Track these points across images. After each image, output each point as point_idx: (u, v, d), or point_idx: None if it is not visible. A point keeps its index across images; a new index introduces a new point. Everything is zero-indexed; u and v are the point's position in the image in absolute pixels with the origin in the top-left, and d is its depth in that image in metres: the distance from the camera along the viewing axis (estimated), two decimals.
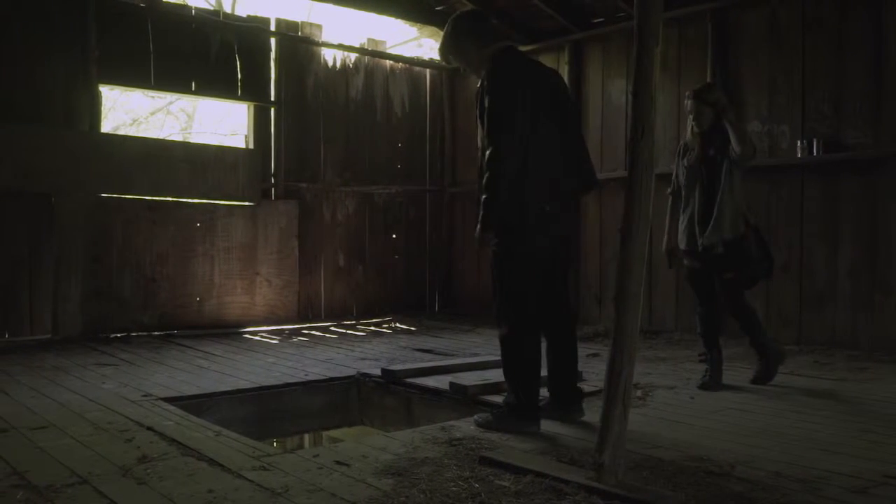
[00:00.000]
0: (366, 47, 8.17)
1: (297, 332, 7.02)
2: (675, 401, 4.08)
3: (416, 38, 11.47)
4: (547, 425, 3.44)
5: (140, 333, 6.47)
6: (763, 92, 6.19)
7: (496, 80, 3.34)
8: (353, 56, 8.06)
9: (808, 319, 5.94)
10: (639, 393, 4.20)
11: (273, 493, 2.55)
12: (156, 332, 6.53)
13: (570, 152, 3.49)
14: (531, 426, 3.37)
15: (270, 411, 4.50)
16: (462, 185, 8.59)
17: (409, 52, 10.27)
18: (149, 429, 3.39)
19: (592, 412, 3.54)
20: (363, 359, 5.48)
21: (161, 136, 14.90)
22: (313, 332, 7.07)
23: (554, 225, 3.43)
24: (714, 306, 4.48)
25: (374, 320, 7.92)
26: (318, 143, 7.79)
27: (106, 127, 12.88)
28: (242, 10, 12.79)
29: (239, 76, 7.22)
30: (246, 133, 7.60)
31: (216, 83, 7.11)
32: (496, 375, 4.09)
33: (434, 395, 4.32)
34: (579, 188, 3.59)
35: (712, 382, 4.38)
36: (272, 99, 7.45)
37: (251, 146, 7.38)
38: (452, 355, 5.59)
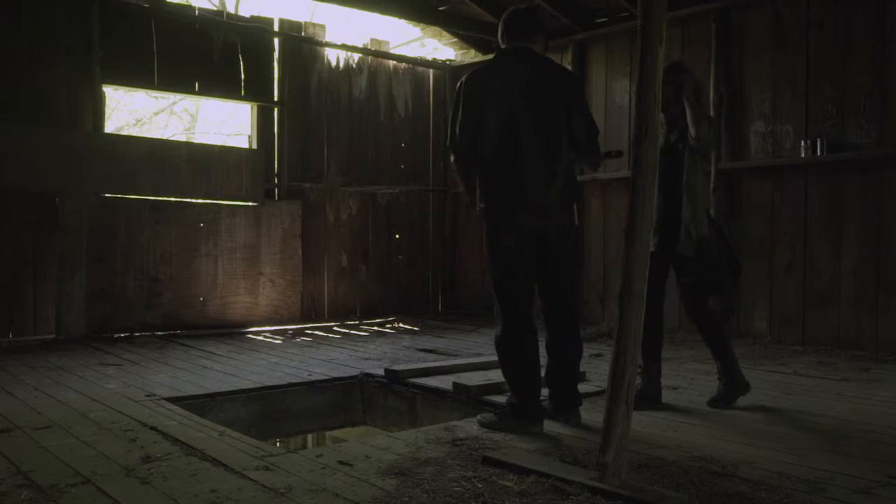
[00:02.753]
0: (369, 47, 8.17)
1: (301, 332, 7.03)
2: (678, 401, 4.07)
3: (419, 38, 11.50)
4: (550, 425, 3.44)
5: (143, 333, 6.47)
6: (767, 92, 6.18)
7: (460, 81, 3.56)
8: (356, 56, 8.06)
9: (811, 319, 5.93)
10: None
11: (276, 493, 2.55)
12: (159, 332, 6.54)
13: (542, 161, 3.41)
14: (534, 426, 3.37)
15: (274, 411, 4.51)
16: None
17: (412, 52, 10.30)
18: (152, 429, 3.39)
19: (595, 412, 3.54)
20: (366, 359, 5.48)
21: (164, 137, 14.94)
22: (316, 332, 7.07)
23: (524, 223, 3.43)
24: (653, 313, 3.72)
25: (378, 320, 7.91)
26: (322, 144, 7.80)
27: (109, 127, 12.93)
28: (246, 11, 12.86)
29: (242, 76, 7.22)
30: (249, 133, 7.60)
31: (219, 83, 7.12)
32: (499, 376, 4.08)
33: (437, 396, 4.32)
34: (552, 197, 3.43)
35: (645, 397, 3.82)
36: (275, 99, 7.45)
37: (254, 146, 7.39)
38: (455, 355, 5.58)
